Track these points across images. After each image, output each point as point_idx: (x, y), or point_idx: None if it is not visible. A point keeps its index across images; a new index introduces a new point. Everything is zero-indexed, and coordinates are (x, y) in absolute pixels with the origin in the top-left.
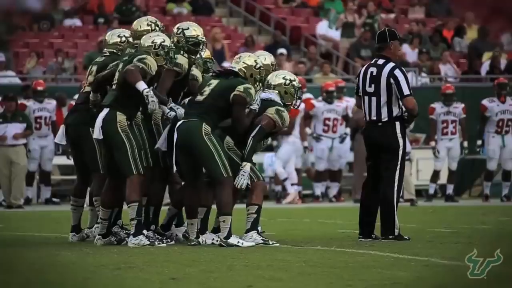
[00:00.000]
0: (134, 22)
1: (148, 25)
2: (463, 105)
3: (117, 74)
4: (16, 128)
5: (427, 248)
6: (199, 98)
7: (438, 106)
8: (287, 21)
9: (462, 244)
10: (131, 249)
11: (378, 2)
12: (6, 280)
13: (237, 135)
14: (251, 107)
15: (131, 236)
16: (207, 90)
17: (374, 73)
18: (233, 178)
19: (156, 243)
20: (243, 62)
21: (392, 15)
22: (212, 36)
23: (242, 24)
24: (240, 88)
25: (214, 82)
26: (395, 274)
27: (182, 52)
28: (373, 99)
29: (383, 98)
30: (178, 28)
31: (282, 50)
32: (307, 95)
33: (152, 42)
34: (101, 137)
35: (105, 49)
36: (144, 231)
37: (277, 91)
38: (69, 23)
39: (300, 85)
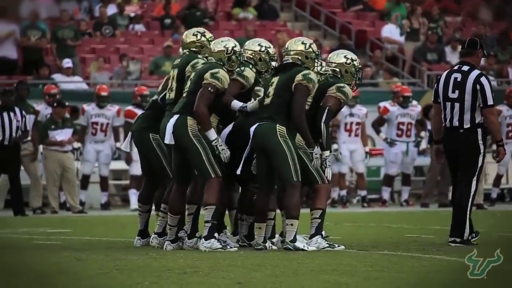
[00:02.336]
0: (185, 33)
1: (194, 34)
2: None
3: (188, 82)
4: (67, 133)
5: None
6: (267, 101)
7: (504, 109)
8: (353, 25)
9: None
10: (197, 253)
11: (443, 5)
12: (74, 284)
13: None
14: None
15: (203, 239)
16: (271, 90)
17: (459, 79)
18: (303, 178)
19: (228, 247)
20: (292, 51)
21: (458, 18)
22: (278, 40)
23: (307, 28)
24: (299, 76)
25: (275, 80)
26: (462, 279)
27: (251, 66)
28: (456, 105)
29: (467, 104)
30: (260, 45)
31: None
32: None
33: (224, 46)
34: (173, 142)
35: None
36: (216, 235)
37: (338, 69)
38: (134, 29)
39: (361, 66)
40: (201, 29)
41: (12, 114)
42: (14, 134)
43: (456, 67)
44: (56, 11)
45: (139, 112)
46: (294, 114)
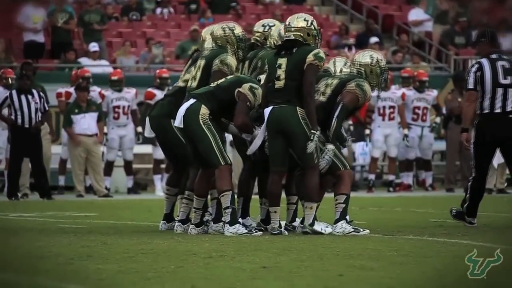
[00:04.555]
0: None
1: (222, 29)
2: None
3: (224, 79)
4: (92, 117)
5: None
6: (279, 84)
7: None
8: (379, 9)
9: None
10: (222, 238)
11: None
12: (100, 268)
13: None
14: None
15: (227, 225)
16: (281, 73)
17: (507, 66)
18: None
19: (253, 232)
20: (294, 27)
21: (485, 3)
22: None
23: (334, 13)
24: (310, 56)
25: (283, 62)
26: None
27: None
28: (510, 90)
29: None
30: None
31: (375, 39)
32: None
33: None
34: (181, 126)
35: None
36: (240, 220)
37: (363, 69)
38: (160, 12)
39: (387, 67)
40: (231, 24)
41: (30, 96)
42: (33, 116)
43: (495, 56)
44: None
45: (158, 93)
46: (305, 92)
